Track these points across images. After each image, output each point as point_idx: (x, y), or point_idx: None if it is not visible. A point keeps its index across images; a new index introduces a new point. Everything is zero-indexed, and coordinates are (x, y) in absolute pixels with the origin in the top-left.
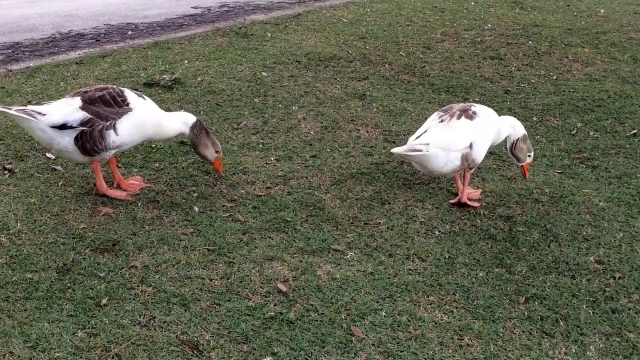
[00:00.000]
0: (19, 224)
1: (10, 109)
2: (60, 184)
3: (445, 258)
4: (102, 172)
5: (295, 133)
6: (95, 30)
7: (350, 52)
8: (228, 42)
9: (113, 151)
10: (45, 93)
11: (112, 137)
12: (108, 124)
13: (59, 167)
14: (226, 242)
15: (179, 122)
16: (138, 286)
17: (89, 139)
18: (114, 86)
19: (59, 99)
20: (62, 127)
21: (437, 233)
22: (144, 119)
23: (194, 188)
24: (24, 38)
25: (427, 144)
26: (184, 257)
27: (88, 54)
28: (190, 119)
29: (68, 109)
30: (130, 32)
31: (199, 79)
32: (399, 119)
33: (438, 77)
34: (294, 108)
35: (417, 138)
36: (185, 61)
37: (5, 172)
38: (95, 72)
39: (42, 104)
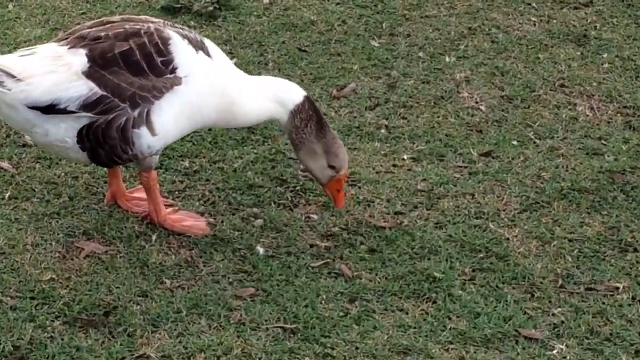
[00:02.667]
0: None
1: None
2: (7, 195)
3: None
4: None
5: (450, 108)
6: None
7: None
8: None
9: (156, 157)
10: None
11: (145, 140)
12: (136, 114)
13: (5, 164)
14: (318, 315)
15: (269, 99)
16: None
17: (101, 142)
18: (155, 27)
19: (6, 33)
20: (50, 109)
21: None
22: (203, 99)
23: (255, 210)
24: None
25: None
26: (239, 342)
27: None
28: (293, 95)
29: (61, 73)
30: None
31: (266, 1)
32: None
33: None
34: (447, 60)
35: None
36: None
37: None
38: None
39: (17, 52)
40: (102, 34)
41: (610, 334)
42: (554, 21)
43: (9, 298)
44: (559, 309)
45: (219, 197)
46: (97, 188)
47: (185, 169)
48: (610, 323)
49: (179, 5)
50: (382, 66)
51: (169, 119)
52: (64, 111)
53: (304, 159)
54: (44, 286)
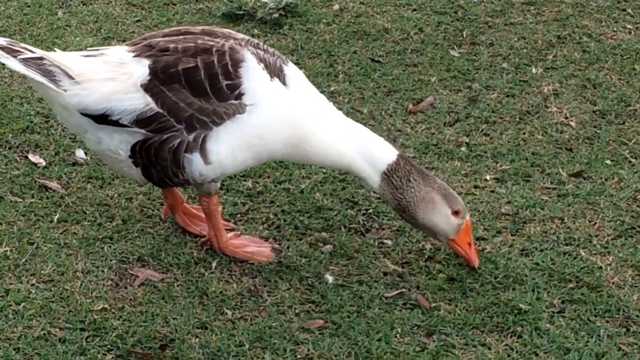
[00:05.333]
0: None
1: (15, 53)
2: (56, 217)
3: None
4: (220, 211)
5: (536, 124)
6: None
7: None
8: None
9: (214, 184)
10: (28, 31)
11: (197, 167)
12: (191, 139)
13: (53, 184)
14: (392, 350)
15: (355, 150)
16: None
17: (153, 162)
18: (229, 45)
19: (55, 42)
20: (102, 118)
21: None
22: (267, 133)
23: (324, 235)
24: None
25: None
26: None
27: None
28: (385, 154)
29: (120, 83)
30: None
31: (337, 7)
32: None
33: None
34: (534, 71)
35: None
36: None
37: None
38: None
39: (84, 50)
40: (172, 46)
41: None
42: None
43: (57, 329)
44: None
45: (285, 220)
46: (153, 210)
47: (248, 189)
48: None
49: (241, 12)
50: (463, 78)
51: (226, 149)
52: (116, 123)
53: (424, 217)
54: (95, 317)
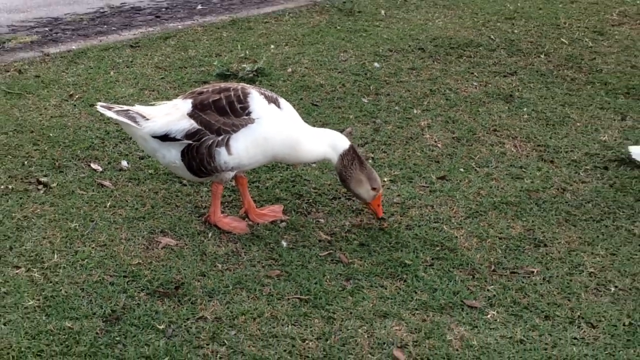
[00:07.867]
0: (55, 256)
1: (110, 108)
2: (108, 204)
3: (624, 325)
4: (220, 197)
5: (417, 146)
6: (154, 4)
7: (492, 37)
8: (328, 21)
9: (230, 173)
10: (90, 84)
11: (223, 157)
12: (220, 139)
13: (107, 183)
14: (324, 290)
15: (325, 144)
16: (208, 344)
17: (194, 157)
18: (241, 86)
19: (108, 92)
20: (165, 137)
21: (612, 289)
22: (270, 135)
23: (281, 215)
24: (65, 12)
25: None
26: (268, 308)
27: (145, 35)
28: (342, 143)
29: (174, 115)
30: (200, 7)
31: (290, 70)
32: (559, 130)
33: (614, 73)
34: (415, 112)
35: None
36: (272, 46)
37: (40, 186)
38: (155, 59)
39: (154, 104)
40: (205, 90)
41: (528, 304)
42: (490, 85)
43: (108, 277)
44: (492, 287)
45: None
46: (171, 200)
47: (232, 187)
48: (528, 296)
49: (229, 73)
50: (370, 116)
51: (242, 145)
52: (174, 139)
53: (354, 188)
54: (133, 268)
